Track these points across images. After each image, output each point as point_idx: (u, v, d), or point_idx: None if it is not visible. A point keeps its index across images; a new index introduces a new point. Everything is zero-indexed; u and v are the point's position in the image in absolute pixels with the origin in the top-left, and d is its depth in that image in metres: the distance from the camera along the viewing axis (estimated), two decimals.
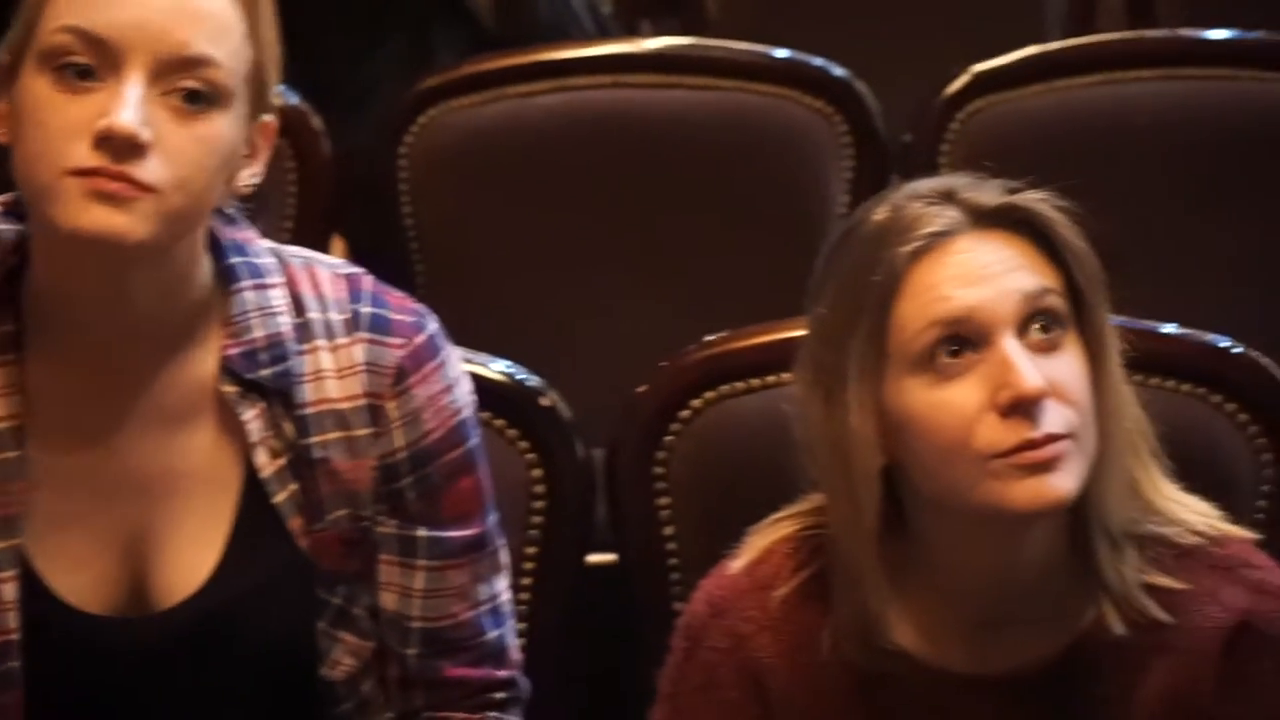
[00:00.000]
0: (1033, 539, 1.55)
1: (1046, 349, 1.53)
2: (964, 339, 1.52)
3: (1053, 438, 1.50)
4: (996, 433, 1.50)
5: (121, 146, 1.52)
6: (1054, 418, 1.50)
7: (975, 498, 1.52)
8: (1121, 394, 1.56)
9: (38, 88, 1.55)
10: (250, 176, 1.62)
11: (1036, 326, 1.53)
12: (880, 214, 1.57)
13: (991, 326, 1.52)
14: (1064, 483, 1.51)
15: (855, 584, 1.57)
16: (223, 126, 1.57)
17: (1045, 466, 1.50)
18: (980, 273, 1.53)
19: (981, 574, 1.56)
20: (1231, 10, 3.04)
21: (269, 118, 1.63)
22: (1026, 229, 1.55)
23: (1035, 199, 1.56)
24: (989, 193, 1.57)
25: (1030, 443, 1.50)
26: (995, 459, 1.50)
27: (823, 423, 1.57)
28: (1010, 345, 1.51)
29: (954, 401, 1.52)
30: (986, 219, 1.55)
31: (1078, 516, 1.55)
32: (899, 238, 1.55)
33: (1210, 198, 2.64)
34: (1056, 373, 1.52)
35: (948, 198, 1.56)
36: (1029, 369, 1.50)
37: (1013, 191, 1.57)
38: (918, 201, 1.56)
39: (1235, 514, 1.63)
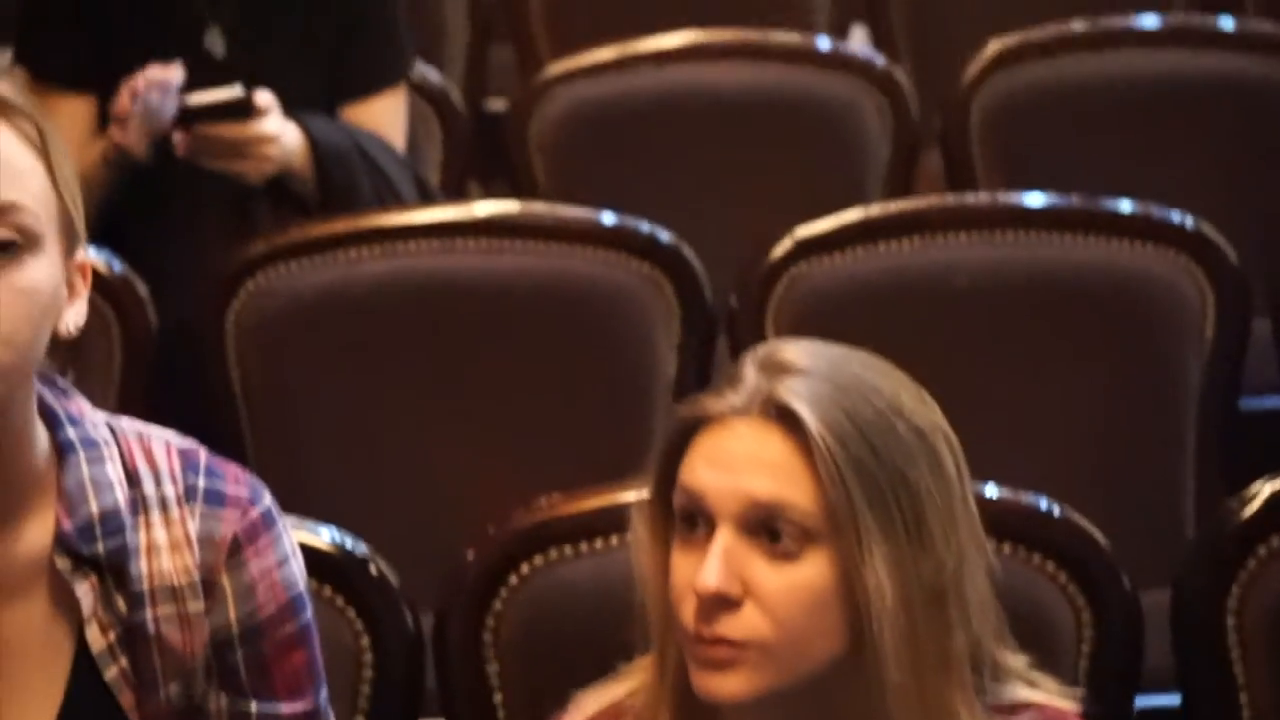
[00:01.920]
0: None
1: (775, 557, 1.52)
2: (698, 516, 1.54)
3: (721, 640, 1.51)
4: (688, 616, 1.52)
5: None
6: (735, 623, 1.51)
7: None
8: (904, 600, 1.52)
9: None
10: (74, 317, 1.61)
11: (765, 534, 1.53)
12: (731, 367, 1.59)
13: (717, 514, 1.53)
14: (731, 685, 1.52)
15: None
16: (40, 272, 1.55)
17: (713, 664, 1.52)
18: (728, 461, 1.54)
19: None
20: (1049, 174, 3.12)
21: (82, 255, 1.62)
22: (799, 436, 1.53)
23: (825, 411, 1.53)
24: (796, 384, 1.55)
25: (699, 637, 1.52)
26: (687, 640, 1.53)
27: (638, 581, 1.60)
28: (721, 538, 1.52)
29: (678, 571, 1.55)
30: (770, 411, 1.54)
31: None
32: (696, 402, 1.58)
33: (1031, 358, 2.69)
34: (762, 580, 1.52)
35: (770, 372, 1.57)
36: (713, 568, 1.51)
37: (821, 391, 1.54)
38: (752, 368, 1.57)
39: (1057, 672, 1.65)
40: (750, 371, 1.57)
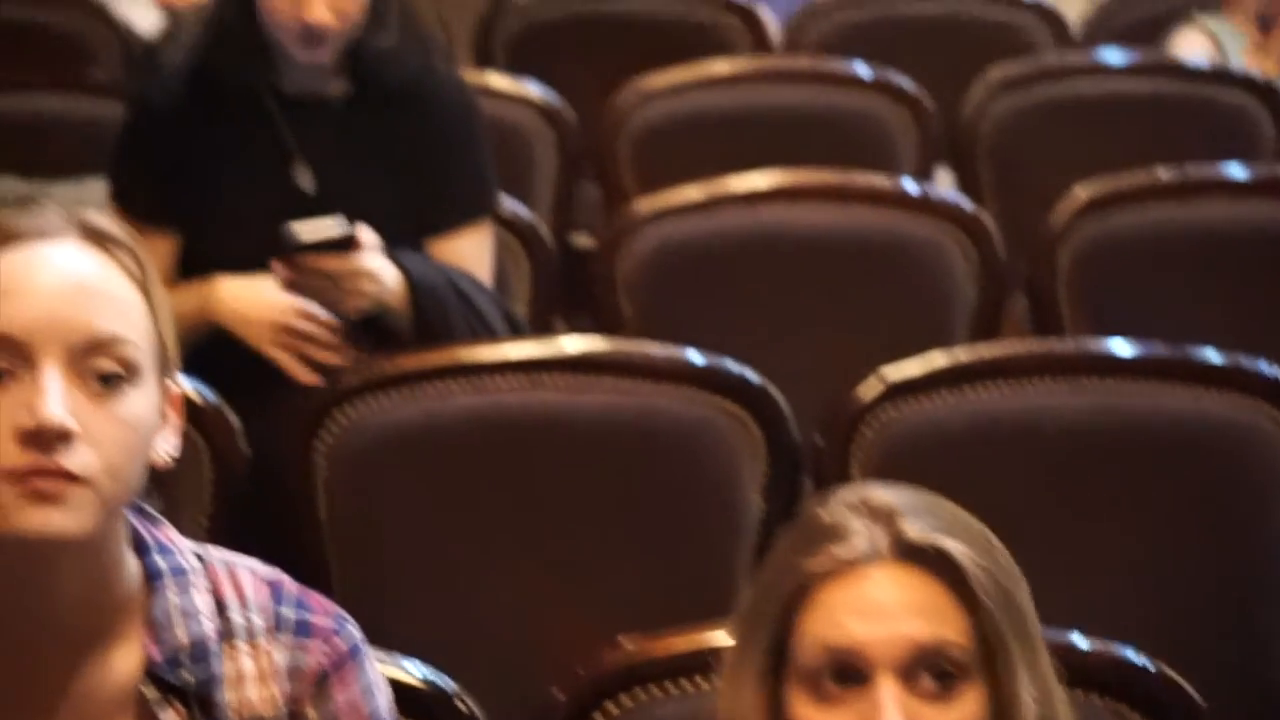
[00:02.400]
0: None
1: (937, 697, 1.53)
2: (850, 670, 1.54)
3: None
4: None
5: (50, 439, 1.53)
6: None
7: None
8: None
9: None
10: (167, 448, 1.63)
11: (927, 675, 1.53)
12: (814, 520, 1.59)
13: (875, 666, 1.53)
14: None
15: None
16: (140, 403, 1.58)
17: None
18: (878, 610, 1.54)
19: None
20: (1136, 320, 3.12)
21: (175, 385, 1.64)
22: (945, 572, 1.55)
23: (959, 544, 1.56)
24: (918, 524, 1.57)
25: None
26: None
27: None
28: (886, 690, 1.52)
29: None
30: (906, 553, 1.56)
31: None
32: (816, 552, 1.56)
33: (1118, 506, 2.67)
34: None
35: (879, 518, 1.57)
36: (889, 710, 1.50)
37: (940, 527, 1.58)
38: (853, 515, 1.58)
39: None
40: (852, 517, 1.57)
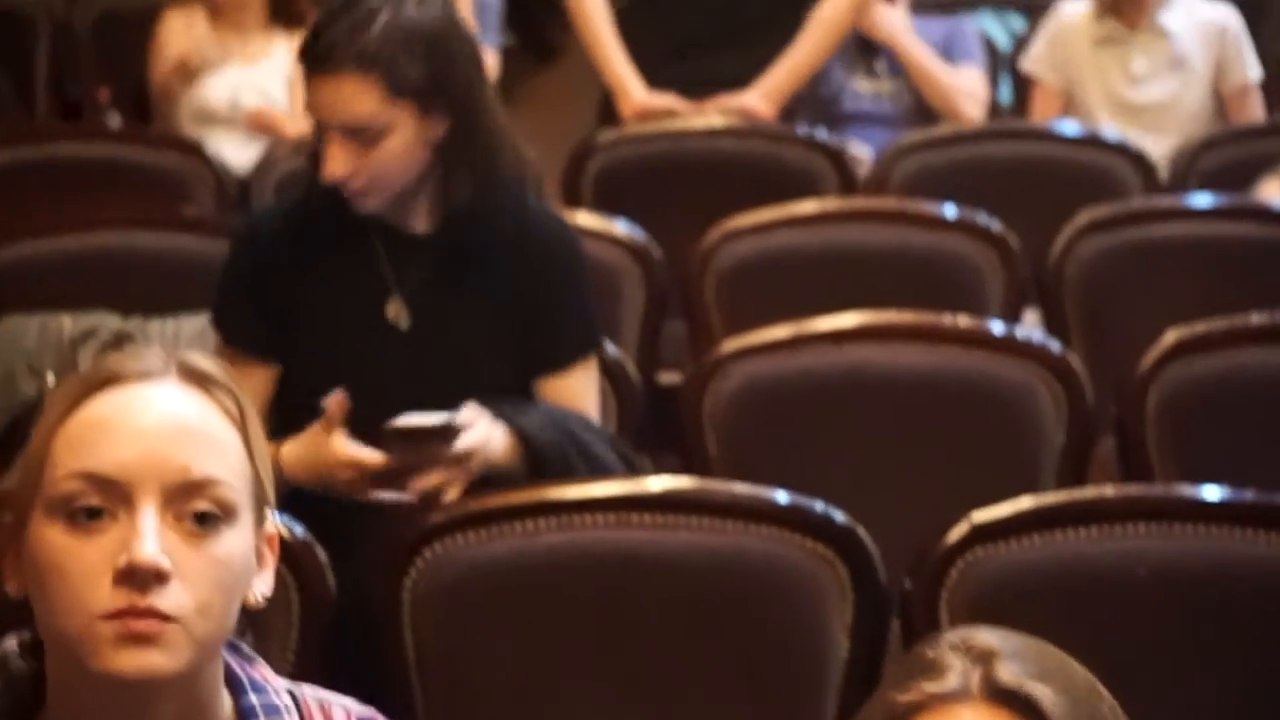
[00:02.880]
0: None
1: None
2: None
3: None
4: None
5: (144, 579, 1.54)
6: None
7: None
8: None
9: (51, 536, 1.58)
10: (261, 587, 1.64)
11: None
12: (917, 656, 1.59)
13: None
14: None
15: None
16: (234, 543, 1.60)
17: None
18: None
19: None
20: (1226, 465, 3.10)
21: (270, 526, 1.66)
22: (1031, 718, 1.55)
23: (1050, 692, 1.55)
24: (1013, 667, 1.57)
25: None
26: None
27: None
28: None
29: None
30: (995, 695, 1.55)
31: None
32: (910, 686, 1.57)
33: (1210, 654, 2.65)
34: None
35: (977, 658, 1.57)
36: None
37: (1036, 673, 1.57)
38: (952, 653, 1.58)
39: None
40: (952, 656, 1.57)
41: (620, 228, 4.01)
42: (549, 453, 2.92)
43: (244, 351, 3.02)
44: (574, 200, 4.69)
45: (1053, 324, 4.06)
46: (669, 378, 4.08)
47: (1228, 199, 4.34)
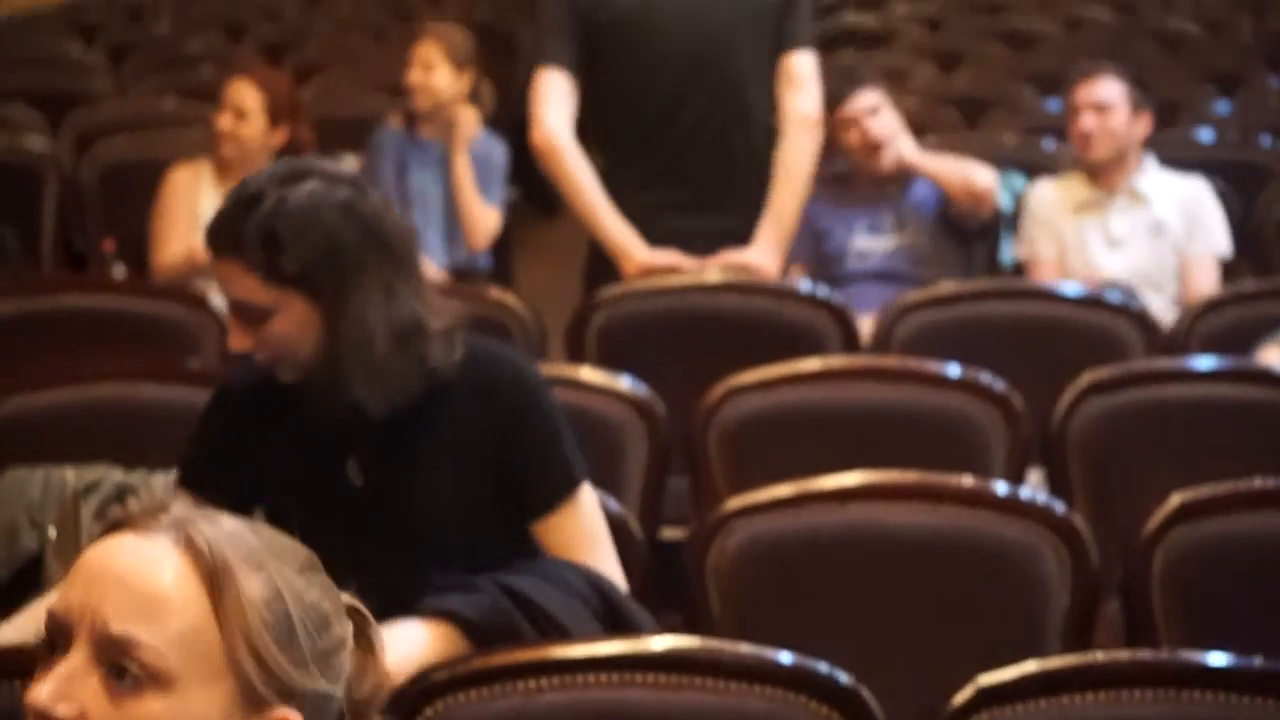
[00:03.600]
0: None
1: None
2: None
3: None
4: None
5: None
6: None
7: None
8: None
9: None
10: None
11: None
12: None
13: None
14: None
15: None
16: (160, 711, 1.58)
17: None
18: None
19: None
20: (1233, 629, 3.09)
21: (281, 712, 1.63)
22: None
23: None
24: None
25: None
26: None
27: None
28: None
29: None
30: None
31: None
32: None
33: None
34: None
35: None
36: None
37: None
38: None
39: None
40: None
41: (624, 383, 4.02)
42: (490, 630, 2.91)
43: (197, 499, 3.01)
44: (578, 355, 4.71)
45: (1057, 484, 4.06)
46: (672, 534, 4.07)
47: (1230, 362, 4.36)
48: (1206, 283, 5.56)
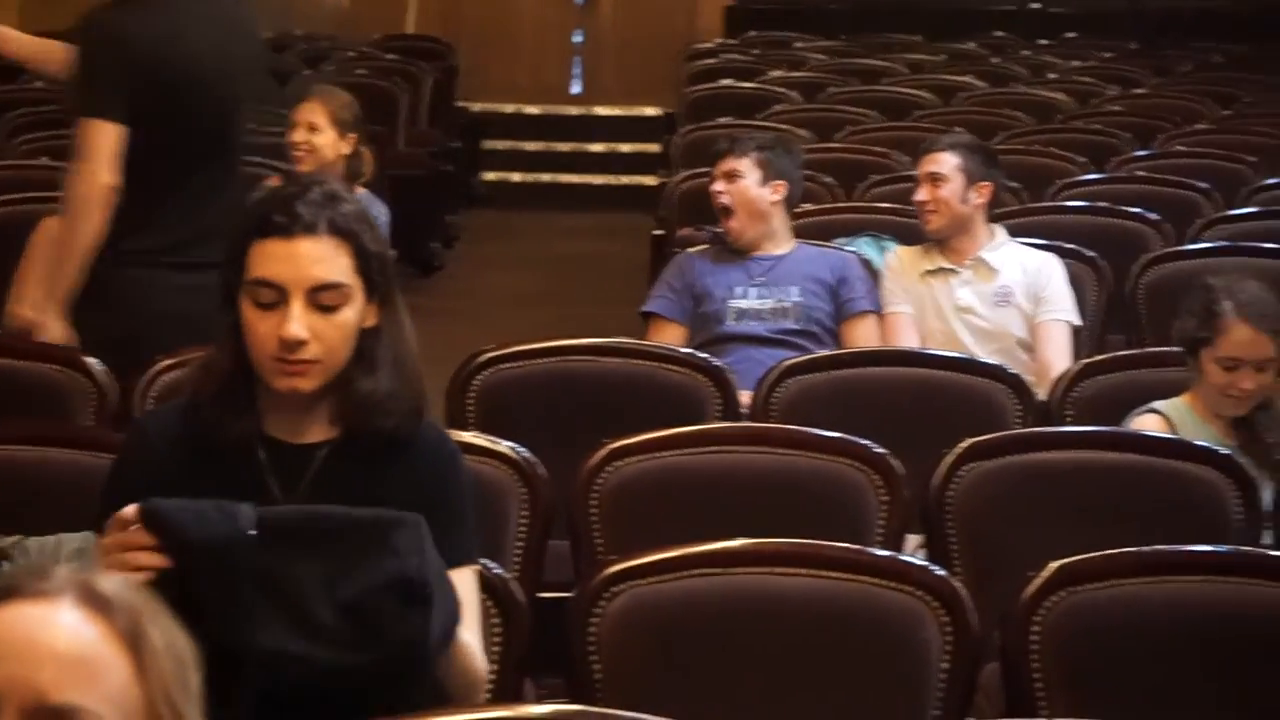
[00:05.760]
0: None
1: None
2: None
3: None
4: None
5: None
6: None
7: None
8: None
9: None
10: None
11: None
12: None
13: None
14: None
15: None
16: None
17: None
18: None
19: None
20: (1111, 695, 3.10)
21: None
22: None
23: None
24: None
25: None
26: None
27: None
28: None
29: None
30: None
31: None
32: None
33: None
34: None
35: None
36: None
37: None
38: None
39: None
40: None
41: (505, 446, 4.01)
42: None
43: None
44: (458, 418, 4.69)
45: (936, 549, 4.09)
46: (554, 598, 4.05)
47: (1106, 428, 4.41)
48: (1058, 349, 5.67)
